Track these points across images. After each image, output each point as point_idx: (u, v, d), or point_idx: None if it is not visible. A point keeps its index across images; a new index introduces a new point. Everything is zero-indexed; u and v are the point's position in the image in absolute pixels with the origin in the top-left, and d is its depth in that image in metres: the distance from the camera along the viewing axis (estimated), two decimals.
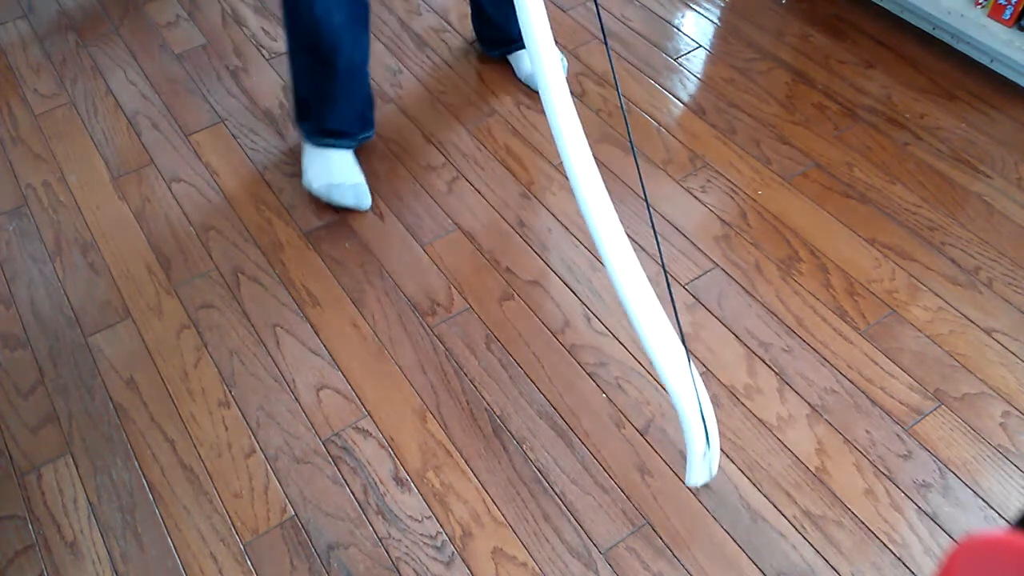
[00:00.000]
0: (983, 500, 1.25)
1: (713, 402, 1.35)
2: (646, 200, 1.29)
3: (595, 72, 1.92)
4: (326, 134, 1.64)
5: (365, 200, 1.64)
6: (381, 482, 1.28)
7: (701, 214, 1.63)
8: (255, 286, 1.53)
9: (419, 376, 1.40)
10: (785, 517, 1.23)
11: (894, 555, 1.20)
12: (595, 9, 2.07)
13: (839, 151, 1.74)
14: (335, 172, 1.64)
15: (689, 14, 2.08)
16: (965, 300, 1.49)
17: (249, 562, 1.21)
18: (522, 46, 1.85)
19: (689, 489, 1.26)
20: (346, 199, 1.63)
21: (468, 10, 2.09)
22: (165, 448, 1.33)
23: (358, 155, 1.71)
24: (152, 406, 1.38)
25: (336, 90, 1.58)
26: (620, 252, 1.08)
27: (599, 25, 2.04)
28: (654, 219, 1.62)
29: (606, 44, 1.45)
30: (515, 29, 1.79)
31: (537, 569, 1.20)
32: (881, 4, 2.03)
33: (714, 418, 1.13)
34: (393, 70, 1.94)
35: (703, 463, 1.15)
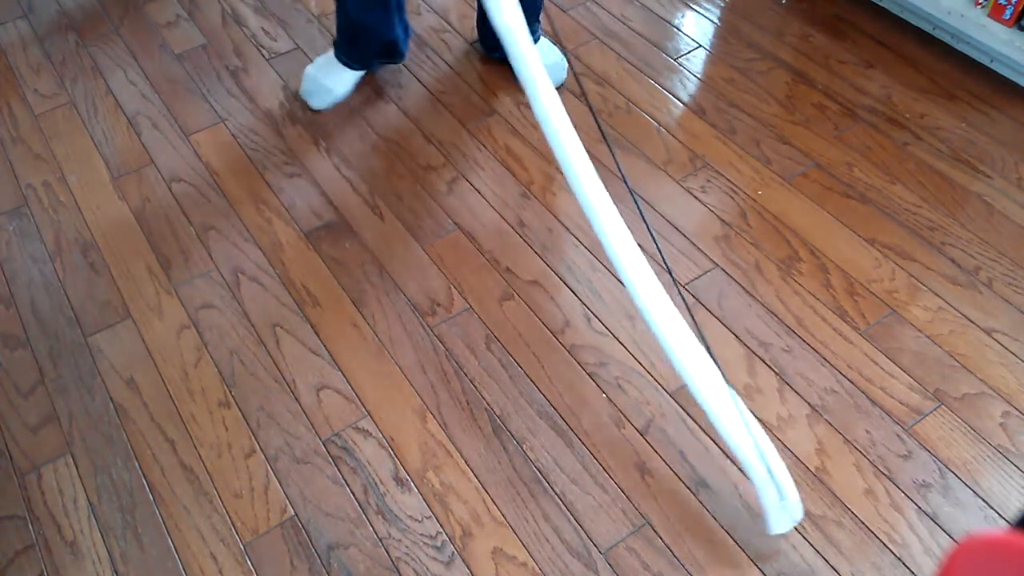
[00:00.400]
0: (983, 500, 1.25)
1: None
2: (627, 186, 1.29)
3: (595, 72, 1.92)
4: (342, 52, 1.83)
5: (317, 101, 1.83)
6: (381, 482, 1.28)
7: (701, 214, 1.63)
8: (255, 286, 1.53)
9: (419, 376, 1.40)
10: None
11: (894, 555, 1.20)
12: (594, 9, 2.07)
13: (839, 151, 1.74)
14: (327, 75, 1.83)
15: (689, 14, 2.08)
16: (965, 300, 1.49)
17: (249, 562, 1.21)
18: None
19: (689, 489, 1.26)
20: (306, 93, 1.84)
21: (468, 10, 2.09)
22: (165, 448, 1.33)
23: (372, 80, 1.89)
24: (152, 406, 1.38)
25: (351, 31, 1.78)
26: (648, 286, 1.11)
27: (600, 24, 2.04)
28: (654, 219, 1.62)
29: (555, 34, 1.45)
30: None
31: (537, 569, 1.20)
32: (881, 4, 2.03)
33: (784, 467, 1.14)
34: (393, 70, 1.94)
35: (782, 513, 1.16)
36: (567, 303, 1.50)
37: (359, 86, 1.88)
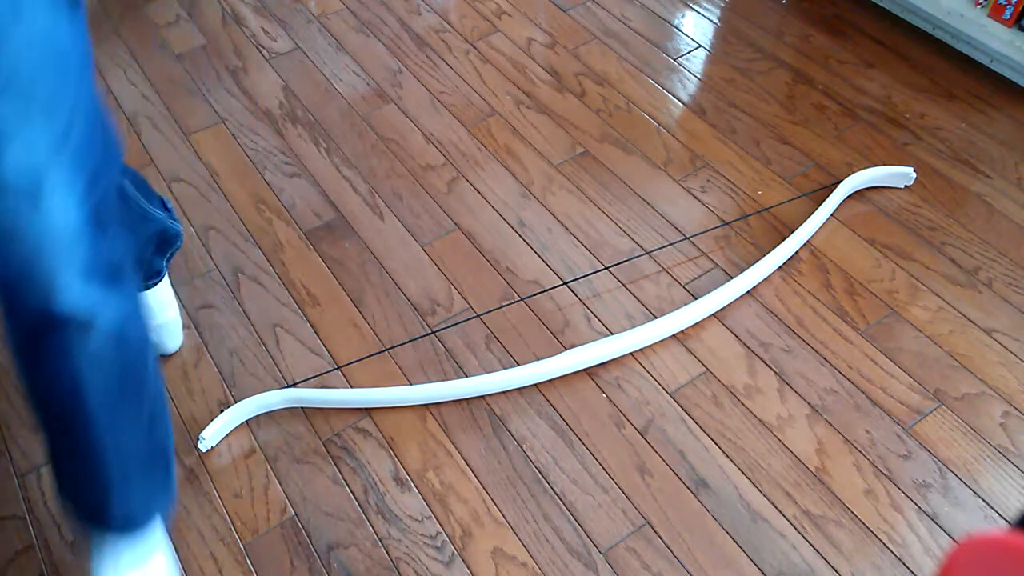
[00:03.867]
0: (983, 500, 1.25)
1: (713, 402, 1.36)
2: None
3: (595, 72, 1.92)
4: None
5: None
6: (381, 482, 1.28)
7: (701, 214, 1.63)
8: (255, 286, 1.53)
9: (419, 376, 1.40)
10: (785, 517, 1.23)
11: (894, 555, 1.20)
12: (594, 9, 2.07)
13: (839, 151, 1.74)
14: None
15: (689, 14, 2.08)
16: (965, 300, 1.49)
17: (249, 562, 1.21)
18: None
19: (689, 489, 1.26)
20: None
21: (468, 10, 2.09)
22: None
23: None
24: None
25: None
26: None
27: (600, 24, 2.04)
28: (655, 219, 1.62)
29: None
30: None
31: (537, 569, 1.20)
32: (881, 4, 2.03)
33: None
34: (393, 70, 1.94)
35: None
36: (567, 303, 1.50)
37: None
